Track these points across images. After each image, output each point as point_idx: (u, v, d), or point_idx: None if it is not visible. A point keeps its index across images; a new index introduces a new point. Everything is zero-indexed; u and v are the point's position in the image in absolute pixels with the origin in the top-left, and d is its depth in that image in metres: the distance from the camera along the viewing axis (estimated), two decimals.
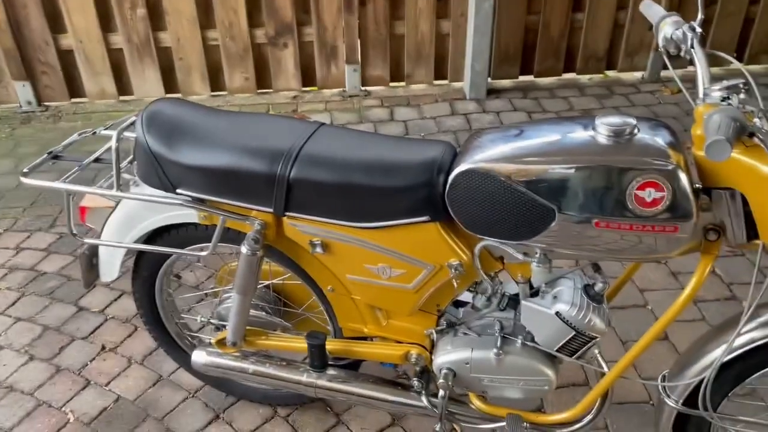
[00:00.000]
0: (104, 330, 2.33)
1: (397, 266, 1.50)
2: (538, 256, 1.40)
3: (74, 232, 1.64)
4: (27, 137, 3.71)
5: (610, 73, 4.30)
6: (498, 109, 3.89)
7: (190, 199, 1.53)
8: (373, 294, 1.58)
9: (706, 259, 1.32)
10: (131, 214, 1.67)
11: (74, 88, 3.95)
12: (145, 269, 1.82)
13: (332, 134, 1.53)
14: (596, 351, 1.54)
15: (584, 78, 4.25)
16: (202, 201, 1.54)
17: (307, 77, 4.03)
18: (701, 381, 1.39)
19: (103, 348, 2.26)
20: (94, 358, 2.22)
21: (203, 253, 1.59)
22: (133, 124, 1.58)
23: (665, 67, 4.13)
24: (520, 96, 4.05)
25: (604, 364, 1.56)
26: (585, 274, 1.53)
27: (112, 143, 1.52)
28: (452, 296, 1.60)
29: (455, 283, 1.50)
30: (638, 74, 4.25)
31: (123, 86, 3.96)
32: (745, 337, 1.38)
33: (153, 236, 1.73)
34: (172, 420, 2.01)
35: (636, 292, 2.47)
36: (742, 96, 1.15)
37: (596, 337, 1.47)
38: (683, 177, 1.20)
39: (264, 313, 1.83)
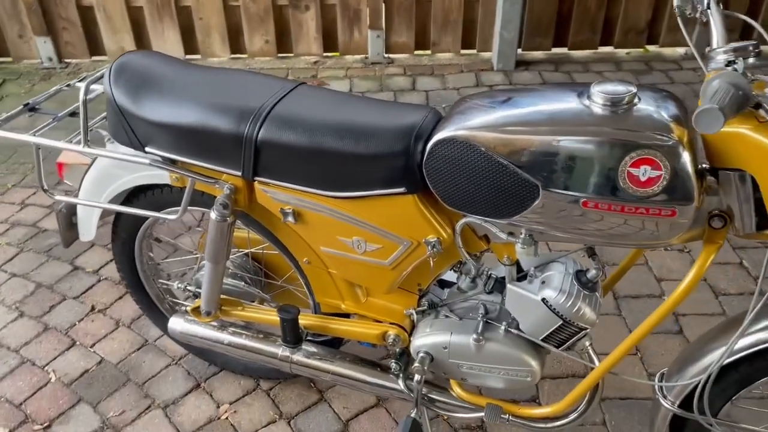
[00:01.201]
0: (96, 290, 2.30)
1: (373, 240, 1.39)
2: (522, 236, 1.27)
3: (45, 187, 1.57)
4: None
5: (651, 48, 4.05)
6: (526, 81, 3.70)
7: (159, 158, 1.45)
8: (348, 269, 1.48)
9: (708, 249, 1.17)
10: (105, 172, 1.60)
11: (94, 46, 3.91)
12: (123, 231, 1.75)
13: (310, 94, 1.41)
14: (587, 343, 1.41)
15: (622, 52, 4.01)
16: (173, 161, 1.46)
17: (329, 42, 3.90)
18: (700, 382, 1.25)
19: (93, 309, 2.23)
20: (82, 319, 2.19)
21: (172, 217, 1.51)
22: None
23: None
24: (551, 69, 3.85)
25: (595, 358, 1.42)
26: (578, 260, 1.40)
27: (80, 96, 1.44)
28: (434, 275, 1.49)
29: (432, 262, 1.38)
30: (681, 50, 3.99)
31: (143, 45, 3.90)
32: (750, 338, 1.24)
33: (130, 196, 1.66)
34: (152, 386, 1.96)
35: (653, 280, 2.31)
36: (752, 60, 0.99)
37: (586, 328, 1.34)
38: (685, 155, 1.05)
39: (243, 282, 1.75)
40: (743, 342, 1.24)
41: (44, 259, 2.44)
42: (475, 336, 1.39)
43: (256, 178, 1.39)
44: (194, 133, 1.36)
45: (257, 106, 1.35)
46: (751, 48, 0.98)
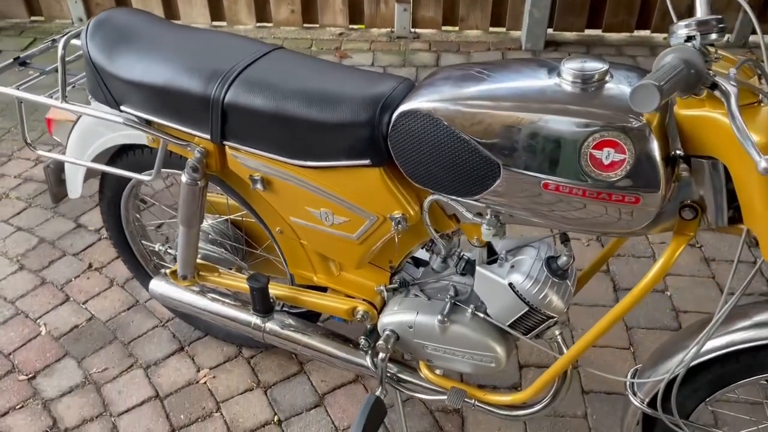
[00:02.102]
0: (95, 249, 2.33)
1: (339, 213, 1.36)
2: (488, 217, 1.22)
3: (28, 141, 1.58)
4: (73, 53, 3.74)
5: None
6: None
7: (134, 118, 1.43)
8: (317, 240, 1.45)
9: (677, 240, 1.10)
10: (88, 130, 1.60)
11: None
12: (108, 190, 1.76)
13: (284, 58, 1.38)
14: (557, 332, 1.36)
15: (659, 37, 3.84)
16: (148, 122, 1.44)
17: (355, 14, 3.84)
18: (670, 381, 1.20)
19: (90, 266, 2.26)
20: (78, 275, 2.22)
21: (146, 178, 1.50)
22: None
23: (754, 32, 3.67)
24: (582, 51, 3.71)
25: (564, 348, 1.37)
26: (555, 246, 1.34)
27: (59, 51, 1.44)
28: (404, 253, 1.45)
29: (397, 239, 1.34)
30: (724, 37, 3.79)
31: (171, 12, 3.91)
32: (721, 339, 1.17)
33: (115, 156, 1.66)
34: (137, 345, 1.98)
35: None
36: (714, 36, 0.90)
37: (553, 317, 1.29)
38: (652, 139, 0.98)
39: (223, 249, 1.74)
40: (714, 343, 1.18)
41: (50, 216, 2.49)
42: (440, 317, 1.35)
43: (225, 143, 1.37)
44: (165, 93, 1.35)
45: (227, 68, 1.32)
46: (714, 23, 0.90)
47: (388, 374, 1.54)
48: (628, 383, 1.33)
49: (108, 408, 1.81)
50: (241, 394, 1.84)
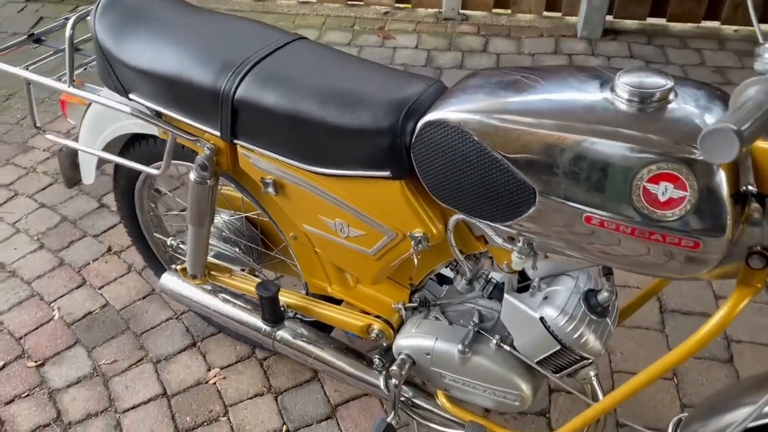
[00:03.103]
0: (116, 231, 2.26)
1: (356, 226, 1.23)
2: (520, 245, 1.08)
3: (38, 124, 1.50)
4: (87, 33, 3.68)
5: (765, 27, 3.56)
6: (611, 53, 3.35)
7: (143, 108, 1.33)
8: (332, 251, 1.33)
9: (742, 292, 0.93)
10: (99, 116, 1.51)
11: None
12: (122, 178, 1.67)
13: (304, 51, 1.24)
14: (592, 373, 1.21)
15: (729, 29, 3.55)
16: (158, 113, 1.33)
17: None
18: None
19: (109, 249, 2.19)
20: (97, 259, 2.16)
21: (155, 171, 1.40)
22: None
23: None
24: (643, 41, 3.45)
25: (599, 392, 1.22)
26: (596, 276, 1.19)
27: (67, 31, 1.33)
28: (426, 272, 1.31)
29: (416, 259, 1.20)
30: None
31: None
32: None
33: (128, 144, 1.56)
34: (149, 338, 1.91)
35: (709, 296, 2.03)
36: None
37: (587, 358, 1.14)
38: (720, 175, 0.82)
39: (237, 248, 1.63)
40: None
41: (74, 193, 2.43)
42: (461, 347, 1.22)
43: (236, 141, 1.25)
44: (173, 84, 1.23)
45: (240, 60, 1.20)
46: None
47: (403, 398, 1.42)
48: None
49: (114, 403, 1.74)
50: (251, 398, 1.75)
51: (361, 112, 1.09)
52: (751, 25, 3.52)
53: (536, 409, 1.71)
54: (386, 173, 1.11)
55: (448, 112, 1.00)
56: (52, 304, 2.01)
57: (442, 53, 3.34)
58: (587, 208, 0.92)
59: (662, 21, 3.57)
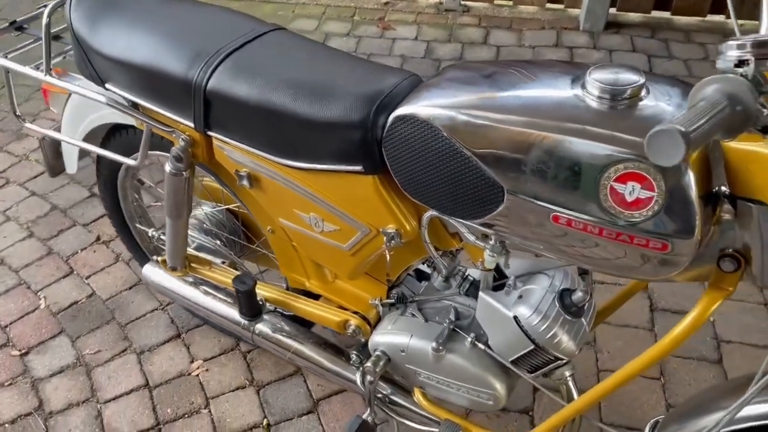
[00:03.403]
0: (105, 221, 2.25)
1: (330, 221, 1.21)
2: (492, 243, 1.06)
3: (17, 113, 1.49)
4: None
5: (751, 23, 3.50)
6: (613, 46, 3.30)
7: (119, 98, 1.31)
8: (308, 246, 1.31)
9: (713, 295, 0.91)
10: (78, 106, 1.49)
11: None
12: (104, 168, 1.66)
13: (280, 42, 1.22)
14: (567, 373, 1.19)
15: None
16: (134, 103, 1.32)
17: None
18: None
19: (98, 239, 2.19)
20: (85, 248, 2.16)
21: (132, 162, 1.38)
22: None
23: None
24: (646, 35, 3.40)
25: (575, 392, 1.20)
26: (574, 275, 1.17)
27: (43, 18, 1.32)
28: (402, 268, 1.29)
29: (388, 255, 1.18)
30: None
31: None
32: (757, 408, 0.98)
33: (110, 134, 1.55)
34: (133, 328, 1.90)
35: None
36: None
37: (562, 358, 1.12)
38: (689, 175, 0.80)
39: (218, 240, 1.62)
40: (753, 410, 0.99)
41: (66, 182, 2.42)
42: (434, 344, 1.20)
43: (210, 133, 1.23)
44: (147, 74, 1.22)
45: (214, 50, 1.18)
46: None
47: (381, 394, 1.41)
48: None
49: (96, 393, 1.74)
50: (233, 391, 1.74)
51: (333, 105, 1.07)
52: (757, 19, 3.46)
53: (519, 407, 1.69)
54: (358, 168, 1.09)
55: (419, 106, 0.98)
56: (38, 293, 2.01)
57: (441, 45, 3.31)
58: (555, 207, 0.89)
59: (666, 14, 3.52)
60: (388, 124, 1.02)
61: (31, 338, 1.88)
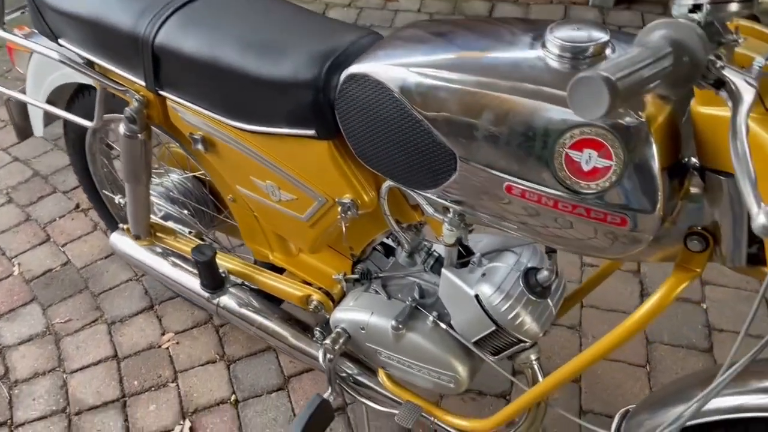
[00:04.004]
0: None
1: (286, 189, 1.14)
2: (450, 216, 0.99)
3: None
4: None
5: None
6: (622, 22, 3.17)
7: (72, 55, 1.25)
8: (267, 216, 1.25)
9: (678, 276, 0.83)
10: (40, 64, 1.43)
11: None
12: (71, 131, 1.60)
13: None
14: (533, 356, 1.12)
15: None
16: (90, 62, 1.25)
17: None
18: None
19: (77, 207, 2.14)
20: (63, 215, 2.11)
21: (88, 124, 1.32)
22: None
23: None
24: (658, 11, 3.27)
25: (540, 376, 1.13)
26: (538, 253, 1.09)
27: None
28: (366, 242, 1.23)
29: (344, 227, 1.12)
30: None
31: None
32: (732, 399, 0.91)
33: (75, 94, 1.49)
34: (106, 299, 1.86)
35: (695, 283, 1.91)
36: (734, 6, 0.61)
37: (524, 341, 1.05)
38: (651, 143, 0.72)
39: (185, 210, 1.56)
40: (720, 402, 0.92)
41: (50, 148, 2.38)
42: (394, 322, 1.13)
43: (161, 93, 1.16)
44: (96, 28, 1.15)
45: (163, 2, 1.11)
46: None
47: (345, 373, 1.35)
48: (614, 426, 1.10)
49: (63, 363, 1.70)
50: (203, 365, 1.69)
51: (283, 63, 1.00)
52: None
53: (497, 391, 1.63)
54: (311, 132, 1.02)
55: (370, 65, 0.91)
56: (13, 260, 1.97)
57: (443, 16, 3.20)
58: (508, 177, 0.82)
59: None
60: (339, 84, 0.94)
61: (1, 305, 1.84)
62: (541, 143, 0.77)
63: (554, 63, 0.79)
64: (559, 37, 0.78)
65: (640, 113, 0.72)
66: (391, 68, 0.88)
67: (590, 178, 0.76)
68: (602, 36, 0.77)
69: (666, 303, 0.84)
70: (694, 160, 0.76)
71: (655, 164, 0.72)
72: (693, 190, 0.77)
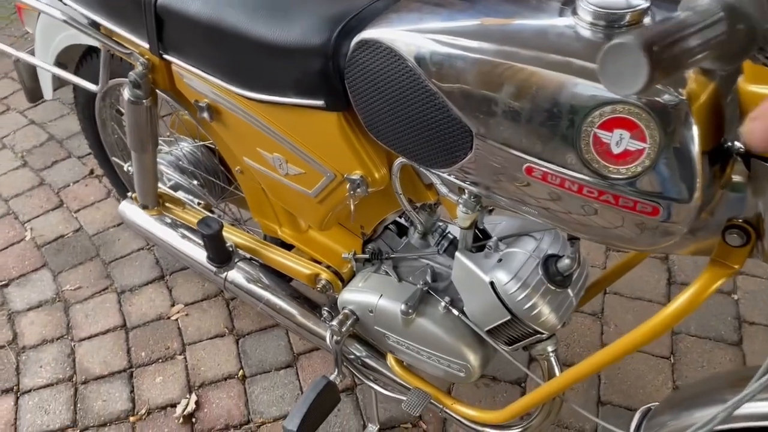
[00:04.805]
0: None
1: (294, 163, 1.08)
2: (465, 197, 0.92)
3: None
4: None
5: None
6: None
7: (79, 14, 1.19)
8: (275, 190, 1.19)
9: (714, 272, 0.76)
10: (46, 25, 1.38)
11: None
12: (80, 95, 1.56)
13: None
14: (550, 348, 1.05)
15: None
16: (96, 23, 1.20)
17: None
18: None
19: (91, 172, 2.11)
20: (77, 181, 2.08)
21: (93, 88, 1.27)
22: None
23: None
24: None
25: (557, 370, 1.07)
26: (560, 239, 1.02)
27: None
28: (377, 220, 1.16)
29: (352, 205, 1.05)
30: None
31: None
32: (761, 405, 0.84)
33: (84, 56, 1.44)
34: (116, 267, 1.83)
35: None
36: None
37: (540, 333, 0.99)
38: (691, 124, 0.64)
39: (196, 181, 1.51)
40: (750, 408, 0.85)
41: (66, 111, 2.34)
42: (403, 306, 1.07)
43: (166, 57, 1.10)
44: None
45: None
46: None
47: (353, 355, 1.30)
48: (634, 424, 1.03)
49: (71, 331, 1.68)
50: (211, 339, 1.66)
51: (291, 27, 0.92)
52: None
53: (511, 378, 1.57)
54: (320, 103, 0.95)
55: (383, 30, 0.83)
56: (25, 225, 1.95)
57: None
58: (528, 157, 0.74)
59: None
60: (350, 50, 0.87)
61: (12, 270, 1.83)
62: (567, 121, 0.69)
63: (586, 32, 0.71)
64: (592, 2, 0.70)
65: (680, 90, 0.64)
66: (405, 34, 0.81)
67: (620, 161, 0.68)
68: (641, 2, 0.69)
69: (699, 301, 0.76)
70: (738, 144, 0.68)
71: (695, 148, 0.64)
72: (735, 177, 0.69)
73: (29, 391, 1.55)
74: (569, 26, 0.72)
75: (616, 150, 0.68)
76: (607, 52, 0.43)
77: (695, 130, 0.64)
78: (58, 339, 1.66)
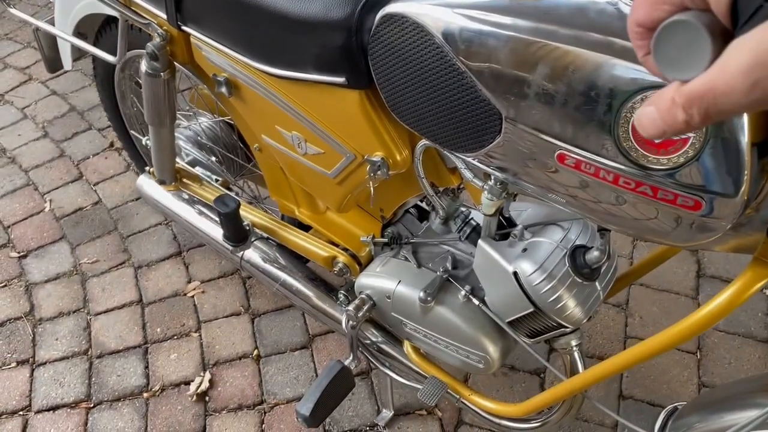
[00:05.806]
0: None
1: (313, 142, 1.04)
2: (491, 183, 0.87)
3: None
4: None
5: None
6: None
7: None
8: (293, 170, 1.15)
9: (757, 271, 0.71)
10: None
11: None
12: (99, 66, 1.53)
13: None
14: (573, 342, 1.01)
15: None
16: None
17: None
18: None
19: (111, 145, 2.09)
20: (97, 153, 2.07)
21: (111, 59, 1.24)
22: None
23: None
24: None
25: (580, 365, 1.03)
26: (589, 229, 0.97)
27: None
28: (397, 204, 1.12)
29: (372, 188, 1.01)
30: None
31: None
32: None
33: (104, 26, 1.41)
34: (134, 241, 1.82)
35: None
36: None
37: (565, 326, 0.95)
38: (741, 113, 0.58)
39: (214, 157, 1.48)
40: None
41: (88, 83, 2.33)
42: (422, 294, 1.04)
43: (184, 28, 1.07)
44: None
45: None
46: None
47: (369, 341, 1.27)
48: (658, 424, 0.99)
49: (87, 304, 1.67)
50: (226, 317, 1.65)
51: (312, 0, 0.88)
52: None
53: (530, 368, 1.53)
54: (341, 80, 0.91)
55: (410, 3, 0.78)
56: (45, 196, 1.95)
57: None
58: (561, 144, 0.70)
59: None
60: (374, 25, 0.82)
61: (31, 241, 1.82)
62: (605, 106, 0.64)
63: (629, 9, 0.65)
64: None
65: None
66: (433, 8, 0.76)
67: (662, 151, 0.63)
68: None
69: (739, 302, 0.72)
70: None
71: (744, 139, 0.59)
72: None
73: (45, 363, 1.55)
74: (611, 2, 0.67)
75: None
76: (663, 31, 0.39)
77: (746, 120, 0.59)
78: (74, 312, 1.66)
